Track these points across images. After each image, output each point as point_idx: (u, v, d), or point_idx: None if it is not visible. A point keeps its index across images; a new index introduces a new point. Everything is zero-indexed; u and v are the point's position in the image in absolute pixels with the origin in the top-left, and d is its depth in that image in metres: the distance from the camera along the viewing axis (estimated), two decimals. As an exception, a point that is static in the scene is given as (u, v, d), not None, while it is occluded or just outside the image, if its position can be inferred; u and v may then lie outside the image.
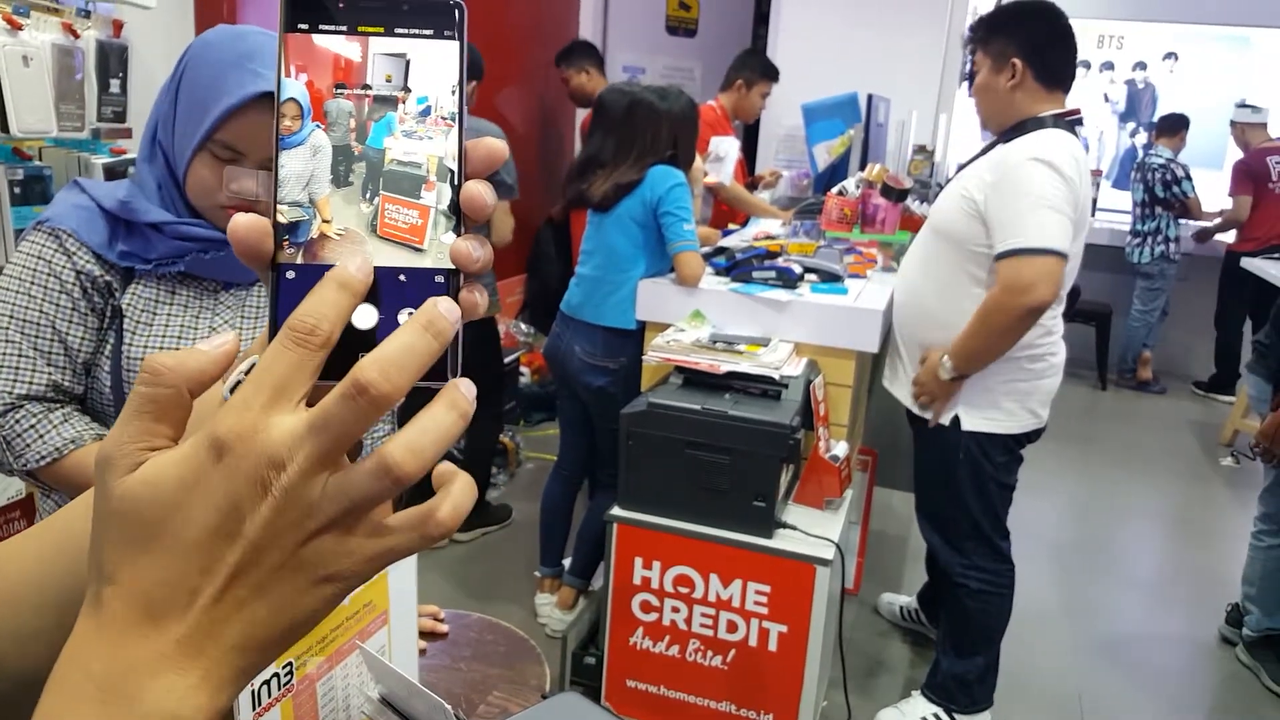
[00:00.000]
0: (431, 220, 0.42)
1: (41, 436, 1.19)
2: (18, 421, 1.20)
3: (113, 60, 2.04)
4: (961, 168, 2.39)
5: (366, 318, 0.40)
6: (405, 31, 0.42)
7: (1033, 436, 2.36)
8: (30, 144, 1.93)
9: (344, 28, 0.42)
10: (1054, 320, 2.28)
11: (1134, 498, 4.47)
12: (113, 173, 2.02)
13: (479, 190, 0.42)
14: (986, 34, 2.27)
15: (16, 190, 1.85)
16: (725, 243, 3.03)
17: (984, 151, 2.30)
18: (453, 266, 0.41)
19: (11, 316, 1.20)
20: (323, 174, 0.42)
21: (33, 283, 1.20)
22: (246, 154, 1.17)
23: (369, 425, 0.36)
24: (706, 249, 2.80)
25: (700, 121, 2.95)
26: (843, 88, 4.39)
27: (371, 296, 0.40)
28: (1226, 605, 3.15)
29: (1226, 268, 5.75)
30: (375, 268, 0.41)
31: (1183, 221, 5.89)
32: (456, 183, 0.42)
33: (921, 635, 2.99)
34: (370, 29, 0.42)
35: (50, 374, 1.21)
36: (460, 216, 0.42)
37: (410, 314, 0.40)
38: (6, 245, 1.88)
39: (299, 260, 0.41)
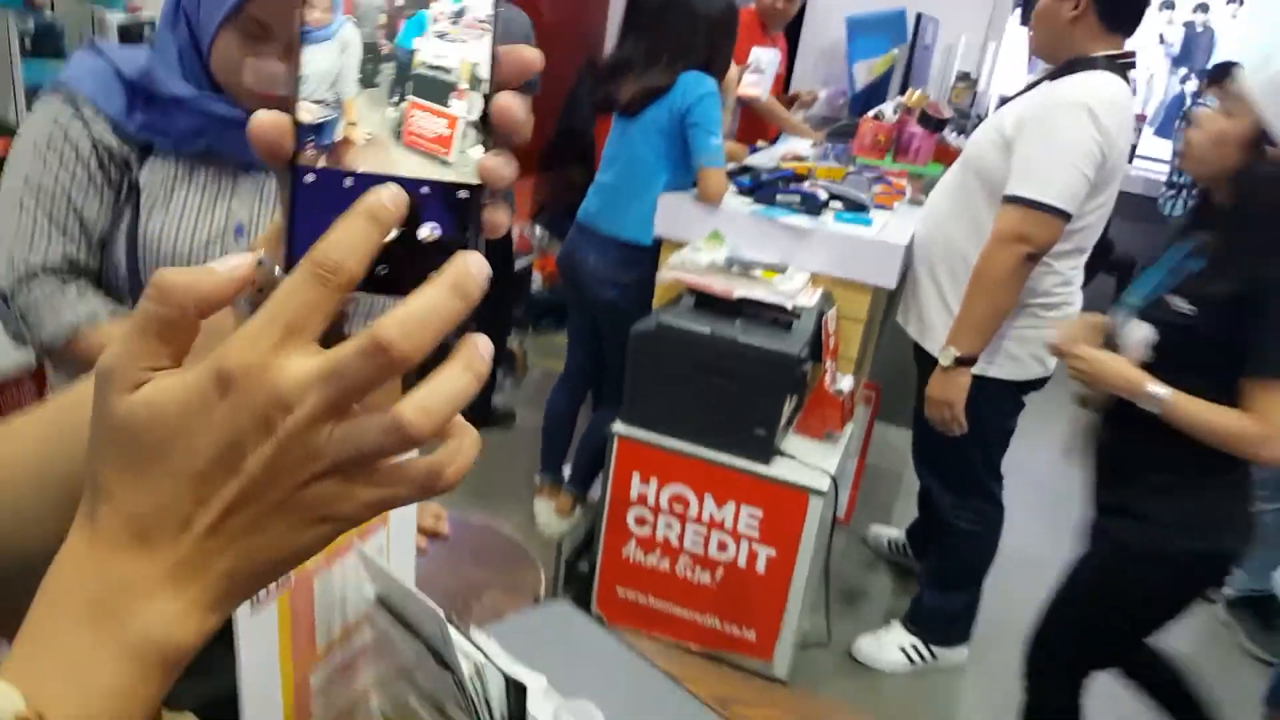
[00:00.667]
0: (460, 131, 0.40)
1: (57, 311, 1.17)
2: (33, 294, 1.17)
3: (134, -81, 1.97)
4: (1005, 102, 2.32)
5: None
6: None
7: (1037, 384, 2.35)
8: (44, -2, 1.88)
9: None
10: (1074, 270, 2.24)
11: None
12: (127, 32, 1.97)
13: (511, 103, 0.39)
14: None
15: (27, 43, 1.80)
16: (751, 161, 2.97)
17: (1029, 88, 2.23)
18: (478, 181, 0.39)
19: (26, 183, 1.16)
20: (350, 72, 0.40)
21: (49, 149, 1.16)
22: (276, 31, 1.12)
23: (383, 382, 0.35)
24: (731, 166, 2.74)
25: (743, 30, 2.84)
26: (891, 3, 4.23)
27: None
28: (1212, 565, 3.19)
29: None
30: (395, 178, 0.39)
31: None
32: (488, 92, 0.40)
33: (905, 568, 3.04)
34: None
35: (65, 246, 1.18)
36: (489, 129, 0.40)
37: (431, 229, 0.39)
38: (18, 100, 1.85)
39: (319, 163, 0.39)
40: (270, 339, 0.34)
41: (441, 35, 0.40)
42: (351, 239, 0.35)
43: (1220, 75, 5.73)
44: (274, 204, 1.25)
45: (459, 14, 0.39)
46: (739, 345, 2.16)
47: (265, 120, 0.39)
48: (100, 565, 0.35)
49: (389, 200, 0.37)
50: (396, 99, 0.40)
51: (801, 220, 2.52)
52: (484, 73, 0.40)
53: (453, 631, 0.88)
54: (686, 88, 2.51)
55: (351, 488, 0.36)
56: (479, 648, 0.89)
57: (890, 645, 2.58)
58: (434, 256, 0.39)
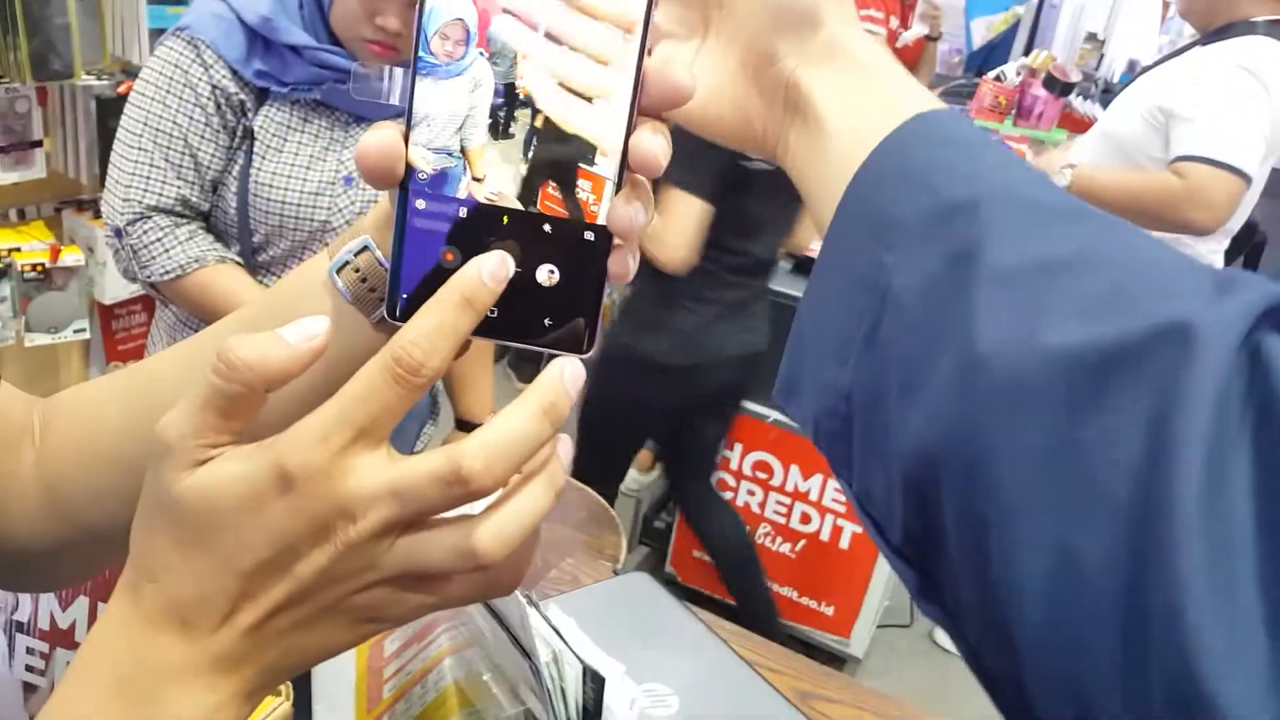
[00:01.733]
0: (606, 194, 0.35)
1: (167, 251, 1.21)
2: (145, 233, 1.21)
3: None
4: (1143, 70, 2.15)
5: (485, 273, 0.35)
6: None
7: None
8: (166, -59, 1.89)
9: None
10: (1216, 255, 2.09)
11: None
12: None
13: (652, 143, 0.34)
14: None
15: (152, -13, 1.83)
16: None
17: (1175, 54, 2.05)
18: (604, 224, 0.35)
19: (145, 124, 1.20)
20: (480, 117, 0.35)
21: (169, 91, 1.19)
22: None
23: (456, 506, 0.33)
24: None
25: None
26: (1017, -43, 3.99)
27: (510, 246, 0.34)
28: None
29: None
30: (516, 213, 0.35)
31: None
32: (627, 127, 0.35)
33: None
34: None
35: (180, 188, 1.21)
36: (624, 166, 0.35)
37: (550, 272, 0.35)
38: (142, 45, 1.88)
39: (429, 191, 0.35)
40: (339, 440, 0.32)
41: (539, 108, 0.35)
42: (437, 334, 0.32)
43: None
44: None
45: (558, 69, 0.35)
46: (838, 314, 2.09)
47: (374, 143, 0.35)
48: (138, 644, 0.34)
49: (489, 277, 0.33)
50: (494, 177, 0.35)
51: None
52: (623, 108, 0.34)
53: (532, 615, 0.87)
54: None
55: (404, 595, 0.34)
56: (558, 632, 0.87)
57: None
58: (552, 302, 0.35)
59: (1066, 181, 2.09)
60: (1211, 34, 1.97)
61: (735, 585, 2.27)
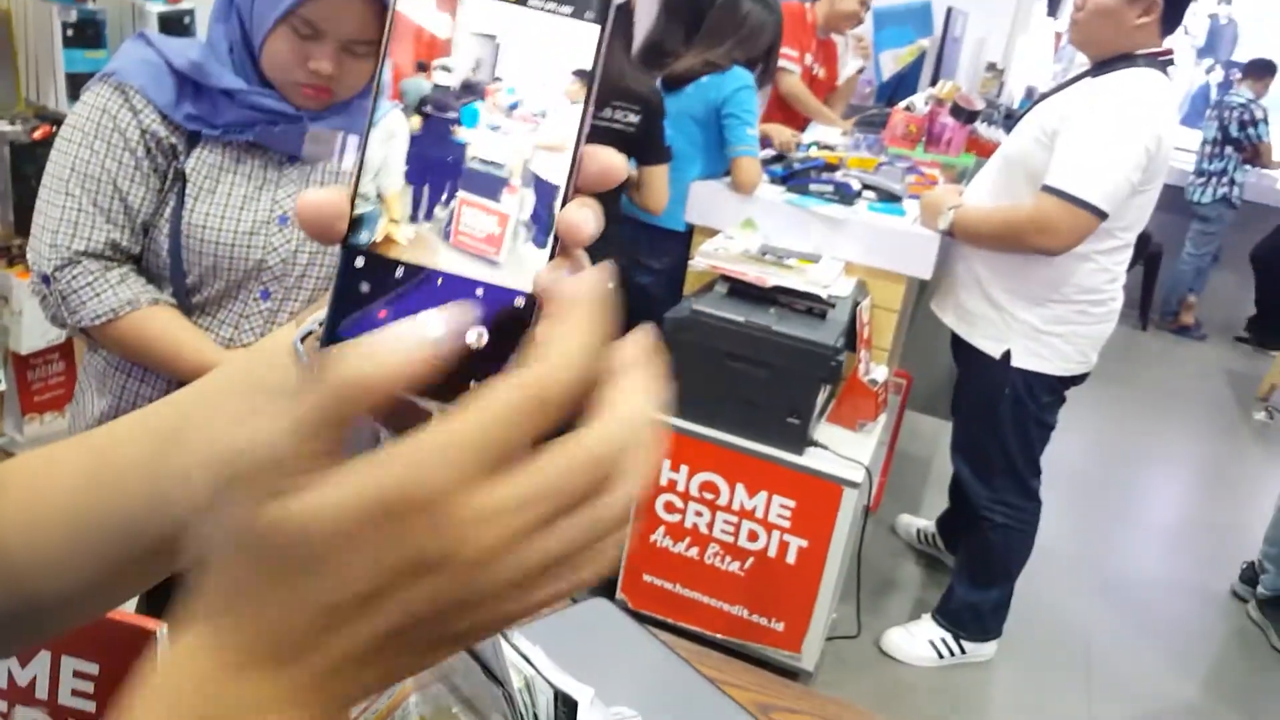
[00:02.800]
0: (510, 229, 0.36)
1: (98, 295, 1.19)
2: (75, 278, 1.19)
3: (173, -98, 1.96)
4: (1041, 98, 2.29)
5: (435, 329, 0.37)
6: (540, 4, 0.36)
7: (1079, 379, 2.33)
8: (86, -15, 1.87)
9: None
10: (1120, 266, 2.22)
11: (1161, 443, 4.44)
12: (167, 22, 1.96)
13: (578, 215, 0.35)
14: None
15: (69, 33, 1.81)
16: (781, 150, 2.95)
17: (1069, 83, 2.19)
18: (532, 291, 0.36)
19: (73, 170, 1.18)
20: (395, 164, 0.36)
21: (96, 136, 1.18)
22: (328, 32, 1.15)
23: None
24: (765, 154, 2.72)
25: (788, 17, 2.84)
26: (918, -6, 4.19)
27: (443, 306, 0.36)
28: (1243, 562, 3.16)
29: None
30: (451, 275, 0.36)
31: (1249, 168, 5.68)
32: (564, 196, 0.36)
33: (935, 559, 3.02)
34: None
35: (109, 231, 1.19)
36: (556, 240, 0.36)
37: (479, 335, 0.35)
38: (58, 89, 1.85)
39: (370, 246, 0.36)
40: (462, 473, 0.30)
41: (495, 128, 0.36)
42: (575, 358, 0.31)
43: (1258, 71, 5.66)
44: None
45: (514, 105, 0.36)
46: (773, 334, 2.14)
47: (314, 201, 0.36)
48: (219, 684, 0.32)
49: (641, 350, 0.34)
50: (447, 196, 0.37)
51: (835, 210, 2.50)
52: (541, 169, 0.36)
53: (504, 644, 0.87)
54: (725, 80, 2.51)
55: (491, 625, 0.33)
56: (527, 659, 0.88)
57: (920, 639, 2.57)
58: (480, 364, 0.35)
59: (948, 223, 2.27)
60: (1099, 65, 2.12)
61: None
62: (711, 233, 2.53)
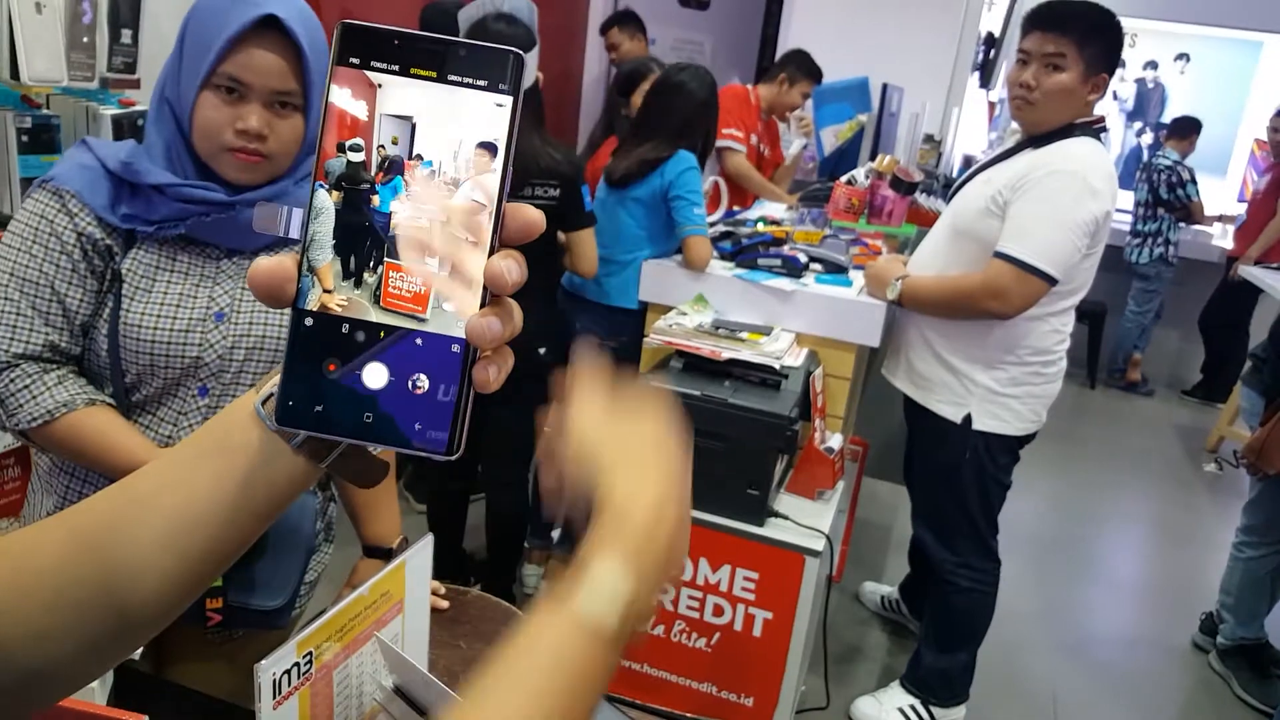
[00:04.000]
0: (430, 325, 0.40)
1: (35, 398, 1.19)
2: (13, 381, 1.19)
3: (124, 10, 2.01)
4: (982, 167, 2.38)
5: (377, 378, 0.40)
6: (458, 79, 0.40)
7: (1032, 437, 2.39)
8: (39, 91, 1.90)
9: (395, 67, 0.40)
10: (1068, 326, 2.30)
11: (1115, 499, 4.52)
12: (120, 124, 1.99)
13: (501, 268, 0.40)
14: (1088, 34, 2.11)
15: (25, 138, 1.83)
16: (730, 226, 3.02)
17: (1011, 153, 2.29)
18: (463, 336, 0.40)
19: (11, 275, 1.19)
20: (323, 239, 0.40)
21: (34, 241, 1.19)
22: (251, 86, 1.16)
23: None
24: (713, 231, 2.79)
25: (732, 100, 2.91)
26: (855, 73, 4.36)
27: (387, 358, 0.40)
28: (1201, 613, 3.20)
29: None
30: (393, 328, 0.40)
31: (1183, 226, 5.89)
32: (490, 248, 0.41)
33: (901, 625, 3.03)
34: (422, 72, 0.40)
35: (48, 334, 1.20)
36: (485, 290, 0.41)
37: (420, 379, 0.40)
38: (13, 194, 1.86)
39: (315, 308, 0.40)
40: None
41: (413, 198, 0.40)
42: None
43: (1182, 130, 5.89)
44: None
45: (431, 175, 0.41)
46: (729, 406, 2.18)
47: (264, 266, 0.40)
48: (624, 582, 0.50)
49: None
50: (374, 262, 0.40)
51: (784, 283, 2.56)
52: (461, 230, 0.40)
53: None
54: (668, 165, 2.60)
55: None
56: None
57: (889, 707, 2.56)
58: (421, 407, 0.40)
59: (896, 294, 2.34)
60: (1043, 136, 2.21)
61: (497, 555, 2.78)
62: (664, 310, 2.57)
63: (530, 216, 0.42)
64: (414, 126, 0.40)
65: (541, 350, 2.58)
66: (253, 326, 1.24)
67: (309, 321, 0.40)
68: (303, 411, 0.40)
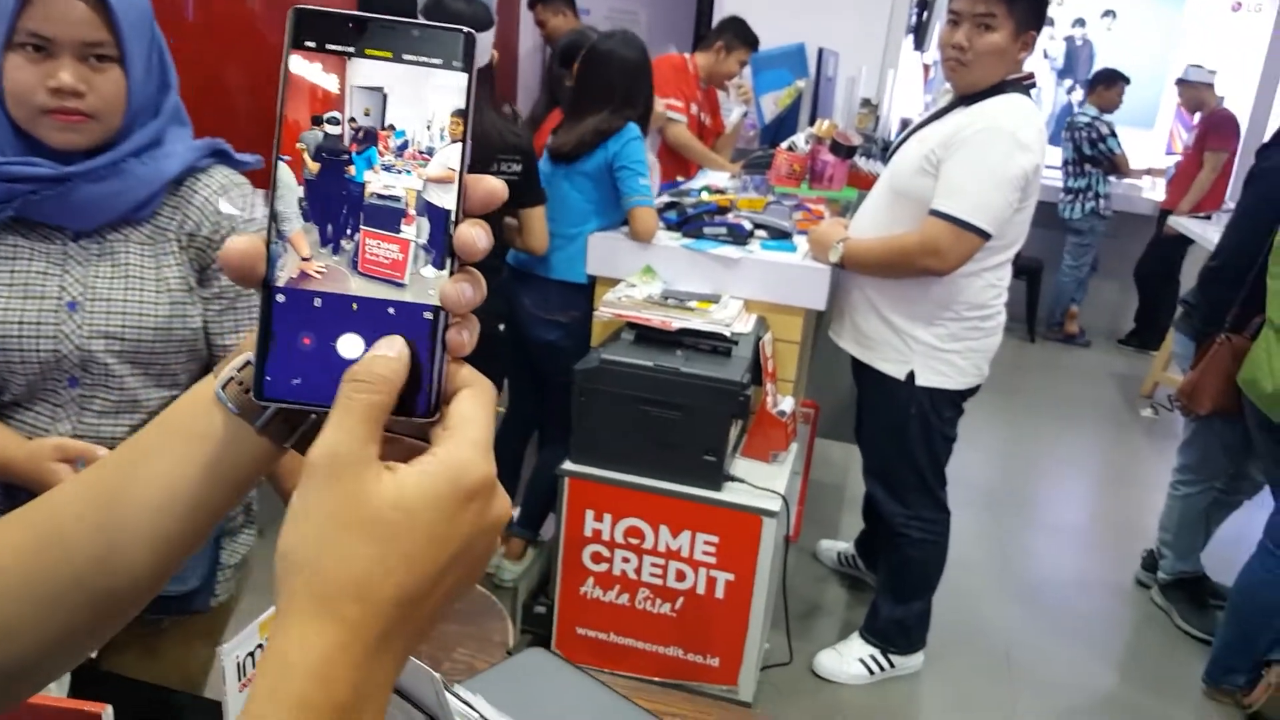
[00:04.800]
0: (411, 254, 0.42)
1: None
2: None
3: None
4: (916, 127, 2.42)
5: (353, 348, 0.42)
6: (413, 58, 0.41)
7: (974, 391, 2.45)
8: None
9: (350, 49, 0.41)
10: (1004, 281, 2.36)
11: (1058, 447, 4.66)
12: None
13: (472, 234, 0.42)
14: None
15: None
16: (675, 196, 3.04)
17: (944, 112, 2.33)
18: (438, 304, 0.42)
19: None
20: (290, 213, 0.42)
21: None
22: (57, 40, 1.07)
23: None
24: (658, 202, 2.80)
25: (670, 69, 2.90)
26: (791, 39, 4.38)
27: (361, 327, 0.42)
28: (1142, 551, 3.34)
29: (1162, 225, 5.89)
30: (364, 299, 0.42)
31: (1111, 179, 6.04)
32: (455, 219, 0.42)
33: (858, 580, 3.10)
34: (377, 53, 0.41)
35: None
36: (454, 255, 0.42)
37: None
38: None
39: (286, 284, 0.42)
40: (490, 454, 0.41)
41: (388, 168, 0.42)
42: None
43: (1105, 82, 6.02)
44: (113, 269, 1.19)
45: (403, 146, 0.42)
46: (682, 375, 2.20)
47: (235, 244, 0.41)
48: (357, 671, 0.37)
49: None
50: (351, 230, 0.42)
51: (730, 250, 2.59)
52: (434, 196, 0.42)
53: (446, 693, 0.89)
54: (615, 136, 2.59)
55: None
56: (472, 707, 0.89)
57: (850, 658, 2.63)
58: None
59: (838, 256, 2.39)
60: (971, 96, 2.26)
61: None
62: (613, 283, 2.59)
63: (492, 186, 0.44)
64: (385, 97, 0.41)
65: (501, 327, 2.59)
66: (110, 316, 1.17)
67: (281, 297, 0.41)
68: (280, 385, 0.42)
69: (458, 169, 0.42)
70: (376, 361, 0.40)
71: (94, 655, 1.12)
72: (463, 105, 0.42)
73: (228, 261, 0.41)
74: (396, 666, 0.39)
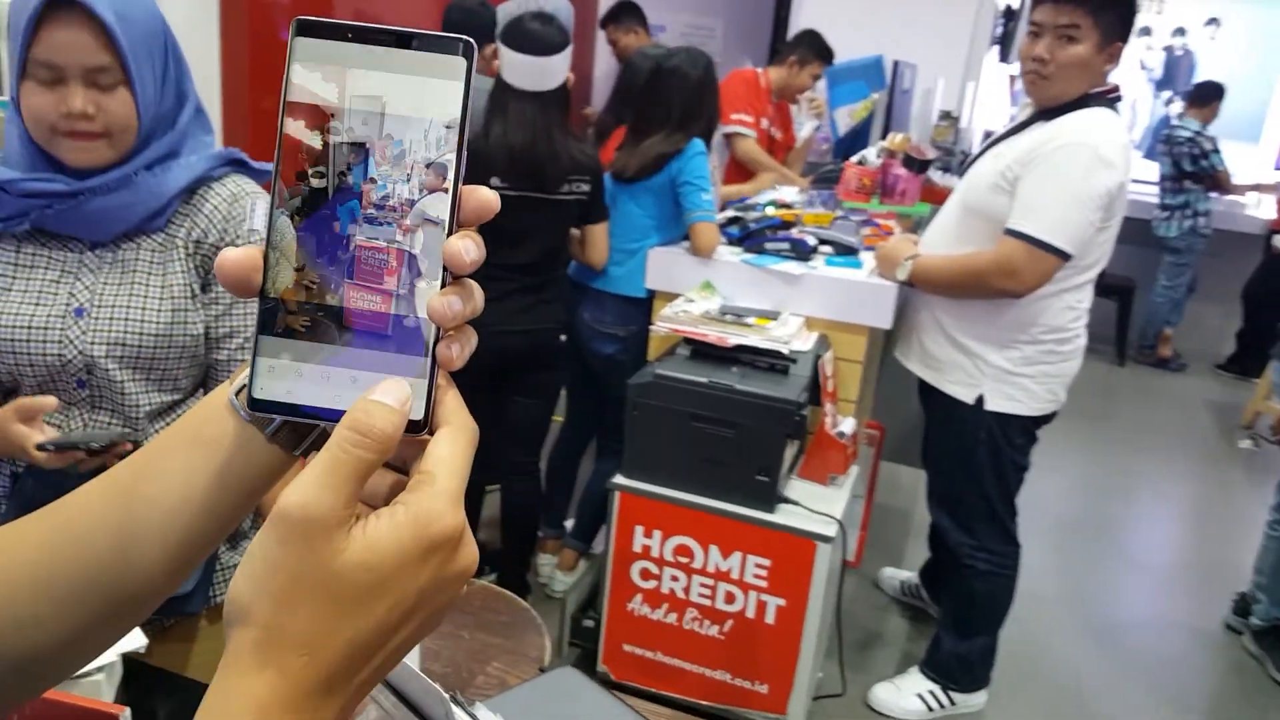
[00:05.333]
0: (394, 306, 0.42)
1: None
2: None
3: None
4: (994, 141, 2.33)
5: (345, 360, 0.42)
6: (413, 66, 0.41)
7: (1050, 418, 2.34)
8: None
9: (351, 58, 0.41)
10: (1084, 303, 2.25)
11: (1145, 478, 4.43)
12: None
13: (459, 247, 0.42)
14: (1102, 1, 2.06)
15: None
16: (739, 210, 2.99)
17: (1022, 127, 2.23)
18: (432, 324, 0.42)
19: None
20: (286, 264, 0.42)
21: None
22: (64, 67, 1.12)
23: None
24: (721, 217, 2.76)
25: (741, 84, 2.87)
26: (869, 51, 4.29)
27: (354, 340, 0.42)
28: (1234, 593, 3.13)
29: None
30: (358, 311, 0.42)
31: (1213, 196, 5.75)
32: (449, 229, 0.42)
33: (920, 610, 2.99)
34: (378, 62, 0.41)
35: None
36: (445, 270, 0.42)
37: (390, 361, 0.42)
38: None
39: (279, 294, 0.42)
40: (458, 506, 0.39)
41: (371, 220, 0.42)
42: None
43: (1203, 97, 5.75)
44: (121, 276, 1.24)
45: (385, 198, 0.42)
46: (737, 393, 2.15)
47: (231, 254, 0.42)
48: (296, 718, 0.37)
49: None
50: (335, 285, 0.42)
51: (792, 266, 2.53)
52: (443, 214, 0.42)
53: (457, 711, 0.86)
54: (680, 155, 2.58)
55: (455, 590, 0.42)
56: (483, 728, 0.87)
57: (908, 693, 2.53)
58: None
59: (906, 274, 2.29)
60: (1057, 108, 2.15)
61: (512, 543, 2.78)
62: (671, 297, 2.55)
63: (485, 197, 0.43)
64: (384, 107, 0.41)
65: (563, 337, 2.59)
66: (113, 323, 1.21)
67: (274, 308, 0.42)
68: (274, 397, 0.42)
69: (453, 180, 0.42)
70: (379, 412, 0.39)
71: (143, 651, 1.14)
72: (458, 113, 0.41)
73: (223, 271, 0.42)
74: (342, 713, 0.38)
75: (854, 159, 3.15)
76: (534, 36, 2.25)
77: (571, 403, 2.99)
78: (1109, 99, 2.14)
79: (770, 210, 2.85)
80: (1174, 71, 7.36)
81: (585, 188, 2.41)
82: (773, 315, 2.43)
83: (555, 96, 2.33)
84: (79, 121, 1.14)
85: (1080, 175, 2.04)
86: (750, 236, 2.64)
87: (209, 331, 1.29)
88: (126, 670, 1.09)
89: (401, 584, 0.38)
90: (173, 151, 1.23)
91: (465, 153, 0.41)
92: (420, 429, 0.41)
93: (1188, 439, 4.92)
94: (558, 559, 3.00)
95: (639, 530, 2.30)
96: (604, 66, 5.09)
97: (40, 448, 1.14)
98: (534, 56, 2.27)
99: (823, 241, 2.64)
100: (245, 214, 1.27)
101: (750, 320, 2.38)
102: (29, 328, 1.20)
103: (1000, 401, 2.26)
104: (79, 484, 0.50)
